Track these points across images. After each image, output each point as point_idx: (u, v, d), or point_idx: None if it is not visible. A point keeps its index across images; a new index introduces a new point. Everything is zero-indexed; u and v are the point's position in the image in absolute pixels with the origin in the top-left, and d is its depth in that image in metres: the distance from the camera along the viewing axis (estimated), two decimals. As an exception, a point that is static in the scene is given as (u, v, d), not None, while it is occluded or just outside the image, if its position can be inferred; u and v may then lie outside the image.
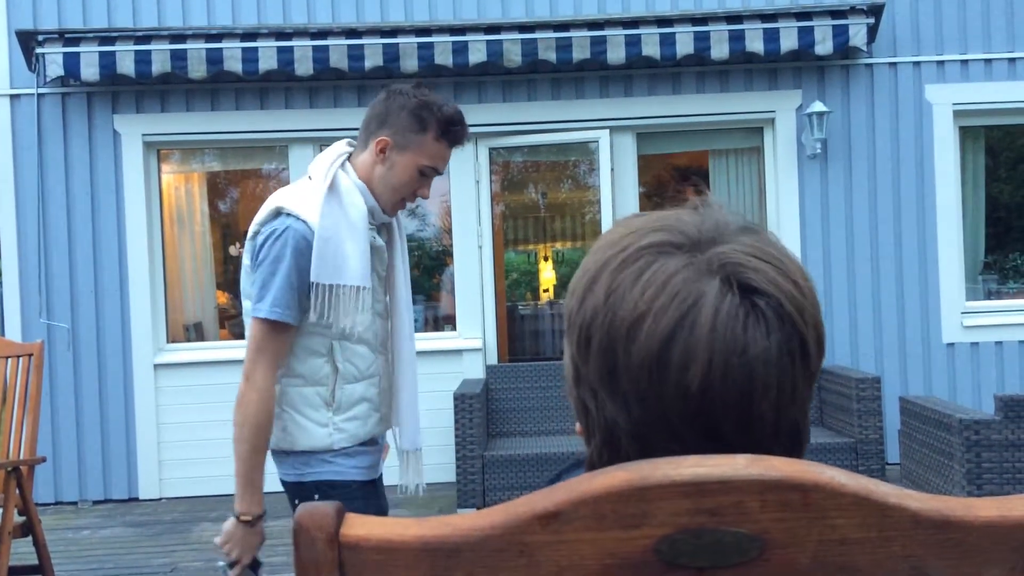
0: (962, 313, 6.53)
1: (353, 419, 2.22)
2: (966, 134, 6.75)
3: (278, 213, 2.14)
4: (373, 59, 6.13)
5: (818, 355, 0.73)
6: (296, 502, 2.23)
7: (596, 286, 0.74)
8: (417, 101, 2.22)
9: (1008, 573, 0.64)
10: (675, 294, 0.70)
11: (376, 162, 2.22)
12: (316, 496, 2.19)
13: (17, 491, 3.84)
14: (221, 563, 2.20)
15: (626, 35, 6.22)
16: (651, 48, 6.21)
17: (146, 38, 6.16)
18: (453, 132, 2.23)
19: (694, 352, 0.68)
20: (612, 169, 6.55)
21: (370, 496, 2.30)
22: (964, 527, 0.63)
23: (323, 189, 2.15)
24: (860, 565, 0.62)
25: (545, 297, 11.33)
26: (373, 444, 2.32)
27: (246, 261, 2.26)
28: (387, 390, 2.33)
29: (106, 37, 6.15)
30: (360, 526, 0.65)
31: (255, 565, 2.22)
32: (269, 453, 2.29)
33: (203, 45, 6.11)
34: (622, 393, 0.71)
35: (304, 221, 2.11)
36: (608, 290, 0.73)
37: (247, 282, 2.26)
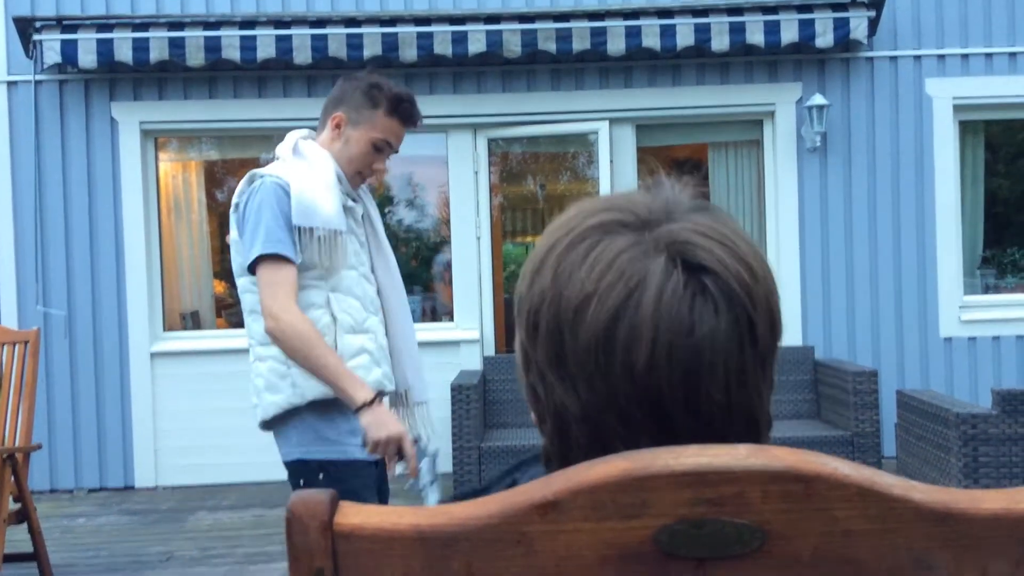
0: (960, 307, 6.53)
1: (357, 368, 2.27)
2: (966, 128, 6.74)
3: (252, 179, 2.31)
4: (372, 48, 6.10)
5: (770, 338, 0.71)
6: (301, 482, 2.24)
7: (544, 268, 0.72)
8: (369, 82, 2.37)
9: (1014, 567, 0.63)
10: (621, 273, 0.69)
11: (334, 138, 2.38)
12: (321, 475, 2.21)
13: (12, 478, 3.84)
14: (408, 479, 2.20)
15: (626, 26, 6.19)
16: (651, 39, 6.19)
17: (144, 25, 6.13)
18: (403, 108, 2.36)
19: (639, 332, 0.67)
20: (611, 161, 6.53)
21: (373, 476, 2.31)
22: (969, 519, 0.62)
23: (288, 155, 2.33)
24: (863, 557, 0.61)
25: (543, 289, 11.33)
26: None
27: (235, 235, 2.34)
28: (384, 348, 2.40)
29: (104, 24, 6.12)
30: (355, 514, 0.64)
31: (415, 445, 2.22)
32: (271, 434, 2.31)
33: (201, 33, 6.09)
34: (570, 376, 0.70)
35: (278, 177, 2.27)
36: (555, 272, 0.71)
37: (239, 256, 2.32)
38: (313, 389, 2.21)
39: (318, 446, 2.22)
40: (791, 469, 0.59)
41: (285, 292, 2.19)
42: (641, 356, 0.67)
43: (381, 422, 2.14)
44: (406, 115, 2.37)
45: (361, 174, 2.40)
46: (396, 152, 2.45)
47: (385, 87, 2.36)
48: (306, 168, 2.29)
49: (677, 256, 0.69)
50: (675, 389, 0.68)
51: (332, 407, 2.22)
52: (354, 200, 2.43)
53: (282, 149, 2.37)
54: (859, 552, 0.61)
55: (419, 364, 2.53)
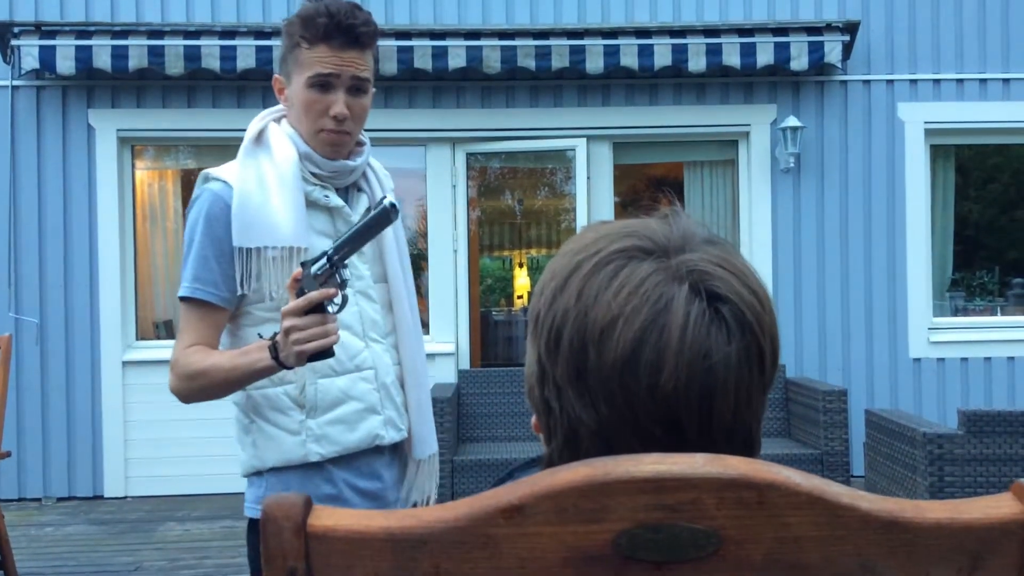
0: (929, 329, 6.62)
1: (337, 423, 1.84)
2: (937, 152, 6.85)
3: (203, 180, 1.88)
4: (352, 61, 6.11)
5: (772, 365, 0.76)
6: (255, 543, 1.93)
7: (568, 288, 0.76)
8: (286, 24, 1.85)
9: (955, 573, 0.66)
10: (646, 298, 0.72)
11: (286, 108, 1.90)
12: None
13: (-20, 486, 3.80)
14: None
15: (605, 45, 6.26)
16: (629, 59, 6.26)
17: (123, 33, 6.13)
18: (315, 26, 1.77)
19: (665, 355, 0.71)
20: (588, 178, 6.59)
21: None
22: (914, 528, 0.65)
23: (248, 144, 1.87)
24: (812, 563, 0.64)
25: (519, 304, 11.35)
26: (373, 479, 1.92)
27: None
28: (395, 383, 1.94)
29: (83, 31, 6.11)
30: (328, 517, 0.66)
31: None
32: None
33: (181, 42, 6.08)
34: (591, 392, 0.73)
35: (224, 181, 1.83)
36: (580, 292, 0.75)
37: None
38: (274, 455, 1.85)
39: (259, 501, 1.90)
40: (744, 477, 0.62)
41: (182, 343, 1.83)
42: (666, 378, 0.71)
43: (289, 348, 1.66)
44: (324, 32, 1.77)
45: (326, 134, 1.84)
46: (357, 82, 1.83)
47: (297, 18, 1.81)
48: (261, 161, 1.84)
49: (698, 284, 0.73)
50: (692, 409, 0.72)
51: (293, 475, 1.85)
52: (351, 189, 1.95)
53: (246, 136, 1.89)
54: (809, 558, 0.64)
55: (426, 401, 1.98)
